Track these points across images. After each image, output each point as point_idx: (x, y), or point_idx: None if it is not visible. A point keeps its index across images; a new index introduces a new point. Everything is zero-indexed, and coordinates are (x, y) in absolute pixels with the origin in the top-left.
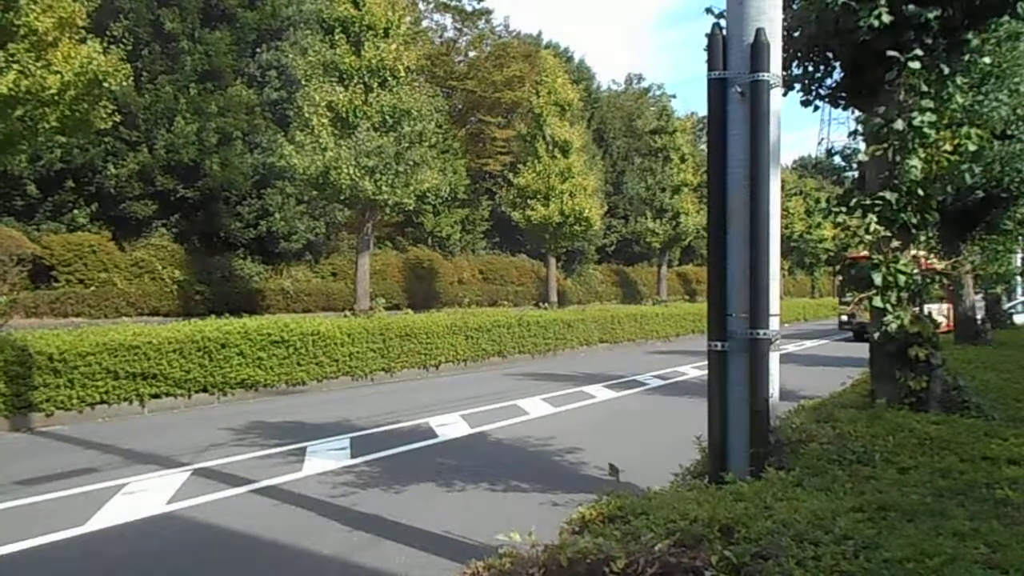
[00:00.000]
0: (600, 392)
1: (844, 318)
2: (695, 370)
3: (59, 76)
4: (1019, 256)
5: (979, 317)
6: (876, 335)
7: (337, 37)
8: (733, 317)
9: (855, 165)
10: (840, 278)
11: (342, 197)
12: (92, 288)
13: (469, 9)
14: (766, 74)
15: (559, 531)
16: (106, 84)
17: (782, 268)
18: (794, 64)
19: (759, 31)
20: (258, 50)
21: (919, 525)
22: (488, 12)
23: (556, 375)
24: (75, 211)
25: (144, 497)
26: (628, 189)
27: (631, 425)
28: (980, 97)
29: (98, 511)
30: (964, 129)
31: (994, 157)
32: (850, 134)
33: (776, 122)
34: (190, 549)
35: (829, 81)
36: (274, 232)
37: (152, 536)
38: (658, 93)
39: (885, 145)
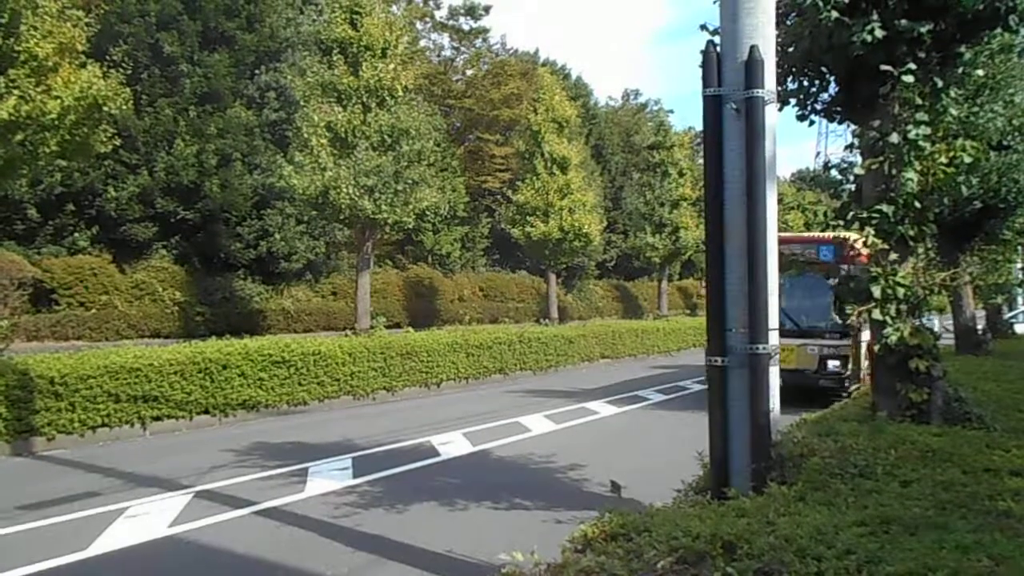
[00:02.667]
0: (602, 408)
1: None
2: (697, 384)
3: (59, 101)
4: (1018, 266)
5: (980, 328)
6: (876, 347)
7: (335, 58)
8: (732, 332)
9: (852, 178)
10: (703, 282)
11: (342, 216)
12: (93, 311)
13: (466, 28)
14: (761, 90)
15: (562, 549)
16: (106, 108)
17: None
18: (789, 79)
19: (753, 48)
20: (257, 72)
21: (922, 539)
22: (485, 31)
23: (558, 391)
24: (76, 234)
25: (146, 520)
26: (627, 204)
27: (634, 441)
28: (975, 109)
29: (100, 535)
30: (959, 141)
31: (991, 168)
32: (846, 147)
33: (771, 137)
34: (192, 573)
35: (824, 96)
36: (274, 252)
37: (154, 560)
38: (655, 108)
39: (881, 158)
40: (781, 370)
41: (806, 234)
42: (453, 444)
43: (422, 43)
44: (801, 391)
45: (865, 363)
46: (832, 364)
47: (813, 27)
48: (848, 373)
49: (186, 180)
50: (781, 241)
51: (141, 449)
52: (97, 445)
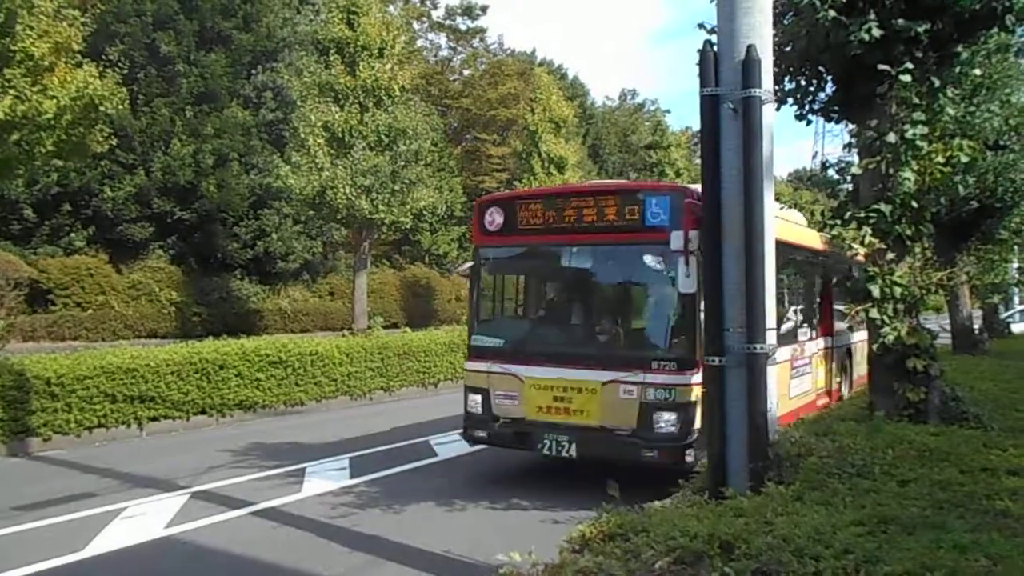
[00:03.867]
0: None
1: (475, 403)
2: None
3: (55, 100)
4: (1015, 265)
5: (977, 327)
6: (874, 347)
7: (332, 58)
8: (730, 332)
9: (849, 178)
10: (465, 265)
11: (339, 216)
12: (89, 311)
13: (463, 28)
14: (758, 90)
15: (559, 550)
16: (102, 108)
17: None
18: (787, 79)
19: (750, 48)
20: (254, 71)
21: (919, 538)
22: (482, 31)
23: None
24: (72, 234)
25: (143, 521)
26: None
27: None
28: (972, 109)
29: (96, 536)
30: (956, 141)
31: (987, 168)
32: (844, 147)
33: (769, 137)
34: (189, 574)
35: (822, 95)
36: (271, 252)
37: (151, 561)
38: (652, 108)
39: (878, 158)
40: (572, 429)
41: (617, 182)
42: (450, 444)
43: (419, 43)
44: (601, 468)
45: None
46: (664, 419)
47: (810, 26)
48: (693, 437)
49: (183, 180)
50: (568, 192)
51: (138, 449)
52: (94, 445)
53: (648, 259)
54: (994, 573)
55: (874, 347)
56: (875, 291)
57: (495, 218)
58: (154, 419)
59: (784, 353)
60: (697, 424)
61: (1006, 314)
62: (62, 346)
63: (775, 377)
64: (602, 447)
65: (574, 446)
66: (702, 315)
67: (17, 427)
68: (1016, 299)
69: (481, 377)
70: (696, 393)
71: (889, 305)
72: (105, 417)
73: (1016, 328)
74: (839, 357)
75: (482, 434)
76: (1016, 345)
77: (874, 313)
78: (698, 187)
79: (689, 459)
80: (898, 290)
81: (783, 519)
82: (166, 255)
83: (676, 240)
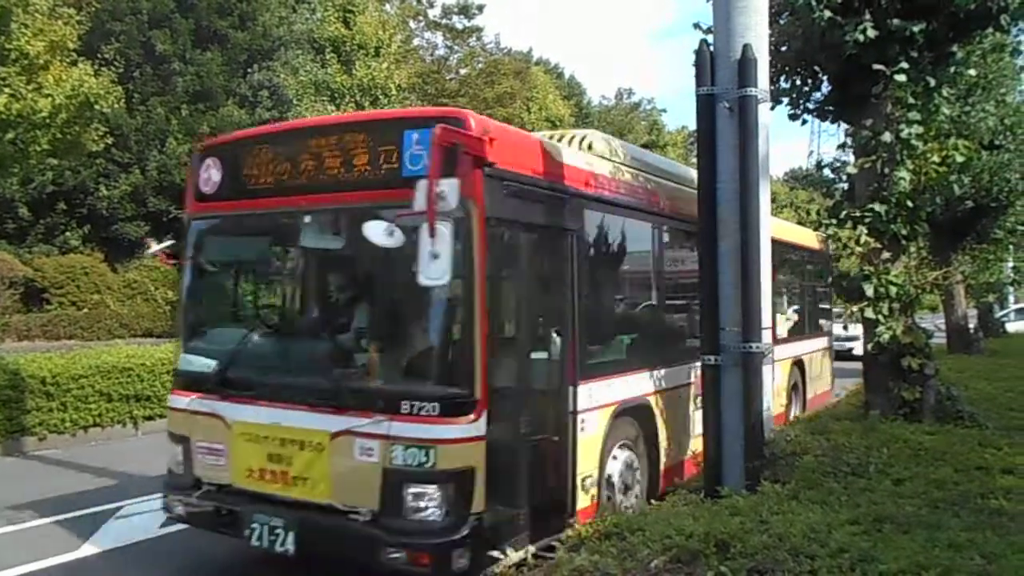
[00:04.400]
0: None
1: (176, 459)
2: None
3: (50, 99)
4: (1010, 265)
5: (972, 326)
6: (869, 346)
7: (328, 57)
8: (726, 331)
9: (845, 177)
10: (156, 247)
11: None
12: (84, 310)
13: (460, 27)
14: (754, 89)
15: (556, 548)
16: (98, 106)
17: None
18: (782, 78)
19: (746, 47)
20: (249, 70)
21: (914, 537)
22: (479, 30)
23: None
24: (67, 233)
25: (138, 521)
26: None
27: None
28: (967, 108)
29: (91, 536)
30: (951, 140)
31: (982, 167)
32: (839, 146)
33: (765, 136)
34: (185, 574)
35: (817, 95)
36: None
37: (146, 561)
38: (648, 107)
39: (873, 157)
40: (291, 507)
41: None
42: None
43: (415, 42)
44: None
45: (590, 471)
46: (420, 498)
47: (806, 26)
48: (468, 528)
49: (178, 179)
50: (306, 127)
51: (133, 449)
52: (89, 445)
53: (399, 232)
54: (988, 572)
55: (869, 346)
56: (870, 290)
57: (212, 174)
58: (150, 418)
59: (682, 376)
60: (478, 505)
61: (1001, 313)
62: (57, 345)
63: (771, 376)
64: (331, 540)
65: (291, 536)
66: (481, 326)
67: (12, 426)
68: (1011, 298)
69: (183, 419)
70: (477, 454)
71: (884, 304)
72: (100, 416)
73: (1011, 327)
74: (783, 374)
75: (180, 509)
76: (1011, 344)
77: (869, 312)
78: (493, 121)
79: (460, 564)
80: (893, 289)
81: (779, 518)
82: (162, 254)
83: (420, 194)
